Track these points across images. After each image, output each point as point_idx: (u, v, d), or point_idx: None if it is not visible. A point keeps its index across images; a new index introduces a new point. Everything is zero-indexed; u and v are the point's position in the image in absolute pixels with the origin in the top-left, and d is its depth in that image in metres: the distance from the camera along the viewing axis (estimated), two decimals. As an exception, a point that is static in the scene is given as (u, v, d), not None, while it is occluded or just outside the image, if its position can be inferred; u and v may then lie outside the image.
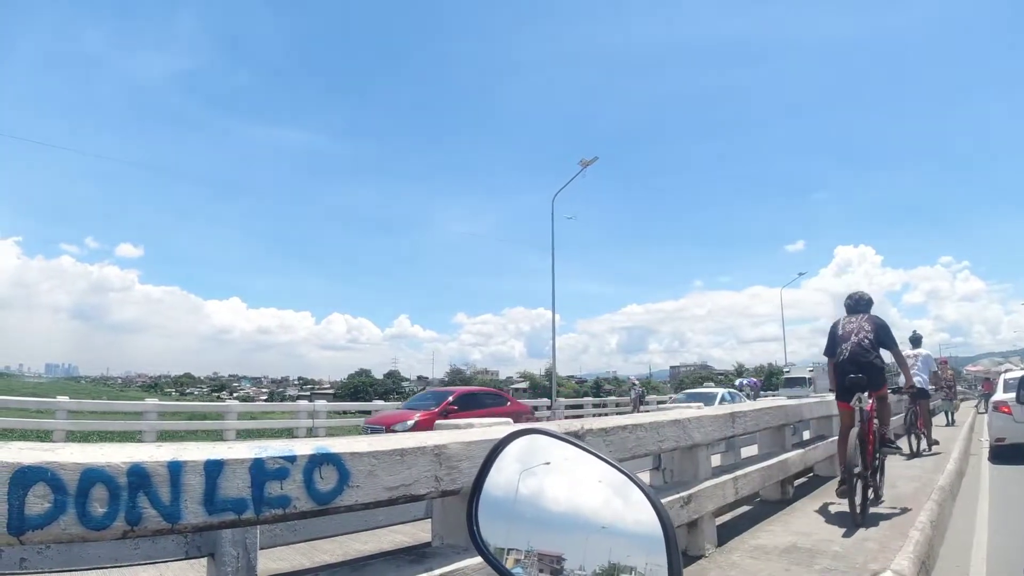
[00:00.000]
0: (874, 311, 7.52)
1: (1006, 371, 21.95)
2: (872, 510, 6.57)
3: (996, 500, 8.57)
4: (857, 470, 6.39)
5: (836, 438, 7.97)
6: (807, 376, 50.62)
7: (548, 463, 0.91)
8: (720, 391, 29.10)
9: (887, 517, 6.37)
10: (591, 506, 0.84)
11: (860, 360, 6.99)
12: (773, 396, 43.62)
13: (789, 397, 27.95)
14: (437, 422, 3.86)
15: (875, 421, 6.95)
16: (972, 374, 47.25)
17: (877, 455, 7.01)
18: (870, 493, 6.70)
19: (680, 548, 3.94)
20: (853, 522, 6.08)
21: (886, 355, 7.41)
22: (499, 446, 0.97)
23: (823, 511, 6.86)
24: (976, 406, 30.16)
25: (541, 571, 0.86)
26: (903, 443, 11.04)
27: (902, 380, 8.07)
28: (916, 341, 13.31)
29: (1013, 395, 12.39)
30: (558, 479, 0.89)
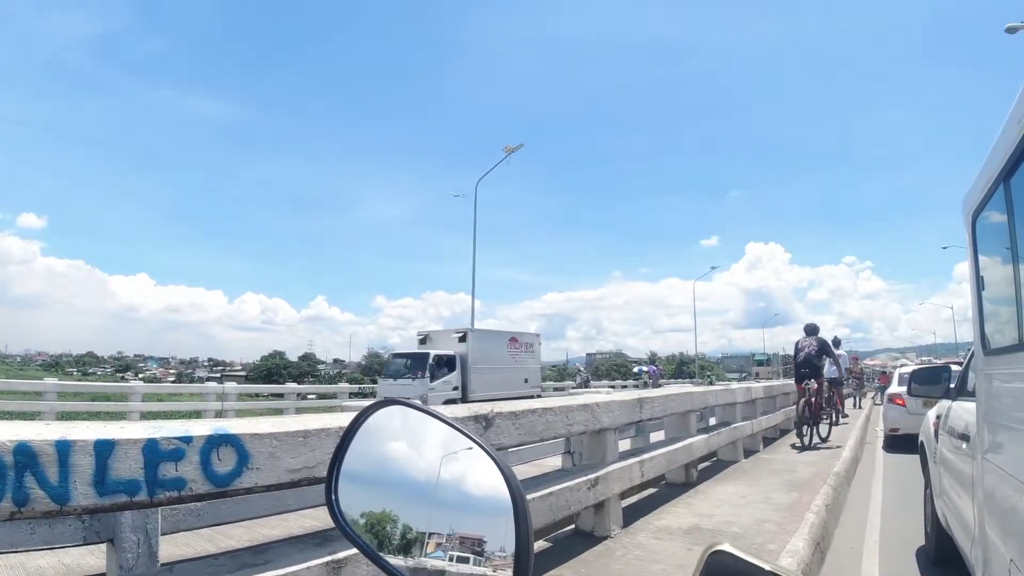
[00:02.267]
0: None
1: (901, 366, 23.57)
2: (814, 443, 11.66)
3: (889, 486, 9.06)
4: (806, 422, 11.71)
5: (738, 424, 10.02)
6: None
7: (414, 435, 0.93)
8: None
9: (820, 449, 11.39)
10: (450, 477, 0.86)
11: (809, 362, 12.11)
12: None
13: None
14: (344, 404, 3.82)
15: (813, 396, 11.79)
16: (870, 368, 49.43)
17: (820, 414, 12.16)
18: (814, 436, 11.78)
19: (587, 529, 4.02)
20: (803, 449, 11.32)
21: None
22: (359, 419, 0.97)
23: (726, 494, 7.15)
24: (873, 398, 31.71)
25: (463, 553, 0.86)
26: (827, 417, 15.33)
27: (830, 371, 13.89)
28: (837, 344, 17.33)
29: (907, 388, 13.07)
30: (419, 452, 0.91)
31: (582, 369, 41.47)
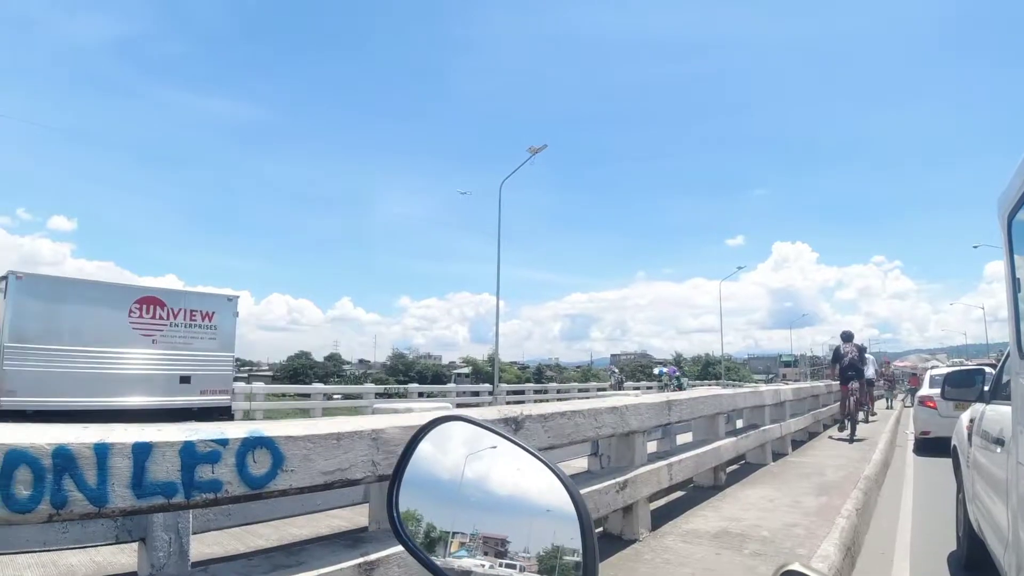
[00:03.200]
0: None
1: (932, 368, 23.24)
2: (855, 437, 12.85)
3: (919, 490, 8.93)
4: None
5: (767, 427, 9.88)
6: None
7: (471, 449, 0.92)
8: None
9: (862, 440, 12.64)
10: (511, 491, 0.86)
11: (853, 365, 13.97)
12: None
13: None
14: (375, 406, 3.84)
15: (856, 395, 13.83)
16: (900, 369, 48.51)
17: (860, 410, 14.34)
18: (856, 430, 13.14)
19: (616, 532, 4.02)
20: (849, 442, 12.54)
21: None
22: (421, 432, 0.97)
23: (754, 497, 7.08)
24: (903, 400, 31.30)
25: (486, 553, 0.87)
26: (861, 413, 17.10)
27: (868, 372, 16.24)
28: (864, 350, 17.91)
29: (938, 391, 12.90)
30: (480, 465, 0.91)
31: (616, 371, 40.71)
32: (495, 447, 0.89)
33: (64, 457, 1.94)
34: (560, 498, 0.80)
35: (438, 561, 0.88)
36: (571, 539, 0.83)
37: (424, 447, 0.92)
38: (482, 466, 0.90)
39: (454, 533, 0.86)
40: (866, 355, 17.87)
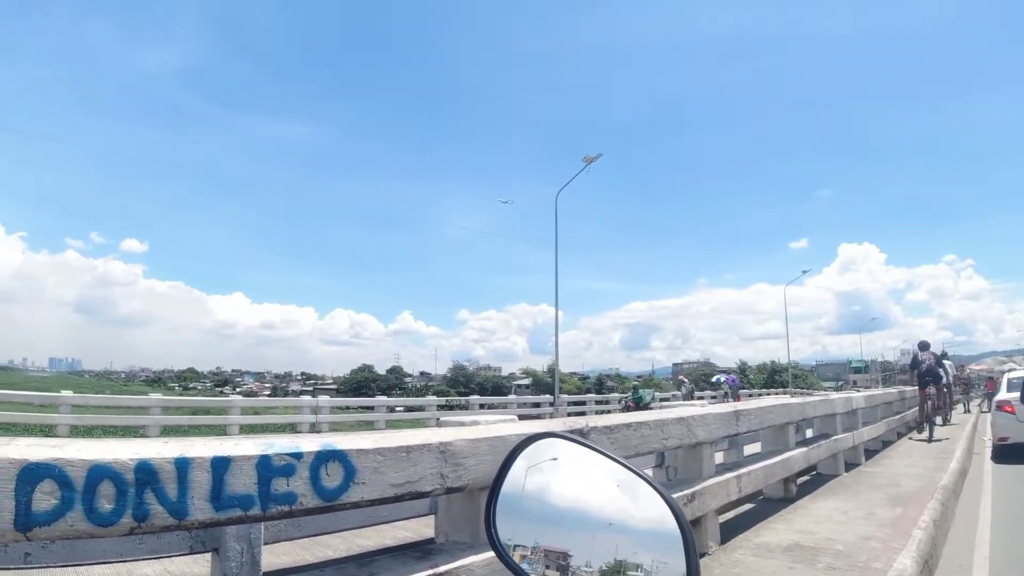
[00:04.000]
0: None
1: (1010, 370, 22.23)
2: (934, 438, 13.75)
3: (998, 499, 8.57)
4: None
5: (839, 437, 9.72)
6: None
7: (558, 463, 0.91)
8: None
9: (940, 440, 13.48)
10: (601, 506, 0.84)
11: (931, 371, 15.08)
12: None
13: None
14: (442, 419, 3.85)
15: (934, 399, 14.99)
16: (975, 373, 46.51)
17: (938, 414, 15.43)
18: (934, 431, 14.12)
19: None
20: (928, 442, 13.46)
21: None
22: (517, 449, 0.96)
23: (827, 509, 6.89)
24: (979, 405, 30.17)
25: (548, 567, 0.85)
26: (940, 418, 17.87)
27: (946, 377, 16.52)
28: (941, 356, 19.18)
29: (1017, 394, 12.39)
30: (569, 479, 0.89)
31: (685, 380, 39.37)
32: (589, 462, 0.87)
33: (146, 471, 1.98)
34: (656, 513, 0.78)
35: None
36: (633, 553, 0.81)
37: (519, 464, 0.91)
38: (579, 482, 0.88)
39: (546, 549, 0.85)
40: (944, 361, 18.24)
